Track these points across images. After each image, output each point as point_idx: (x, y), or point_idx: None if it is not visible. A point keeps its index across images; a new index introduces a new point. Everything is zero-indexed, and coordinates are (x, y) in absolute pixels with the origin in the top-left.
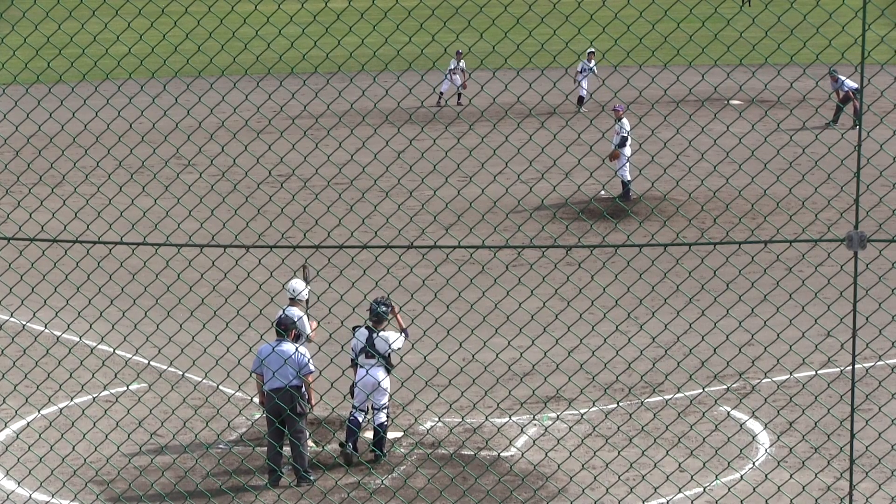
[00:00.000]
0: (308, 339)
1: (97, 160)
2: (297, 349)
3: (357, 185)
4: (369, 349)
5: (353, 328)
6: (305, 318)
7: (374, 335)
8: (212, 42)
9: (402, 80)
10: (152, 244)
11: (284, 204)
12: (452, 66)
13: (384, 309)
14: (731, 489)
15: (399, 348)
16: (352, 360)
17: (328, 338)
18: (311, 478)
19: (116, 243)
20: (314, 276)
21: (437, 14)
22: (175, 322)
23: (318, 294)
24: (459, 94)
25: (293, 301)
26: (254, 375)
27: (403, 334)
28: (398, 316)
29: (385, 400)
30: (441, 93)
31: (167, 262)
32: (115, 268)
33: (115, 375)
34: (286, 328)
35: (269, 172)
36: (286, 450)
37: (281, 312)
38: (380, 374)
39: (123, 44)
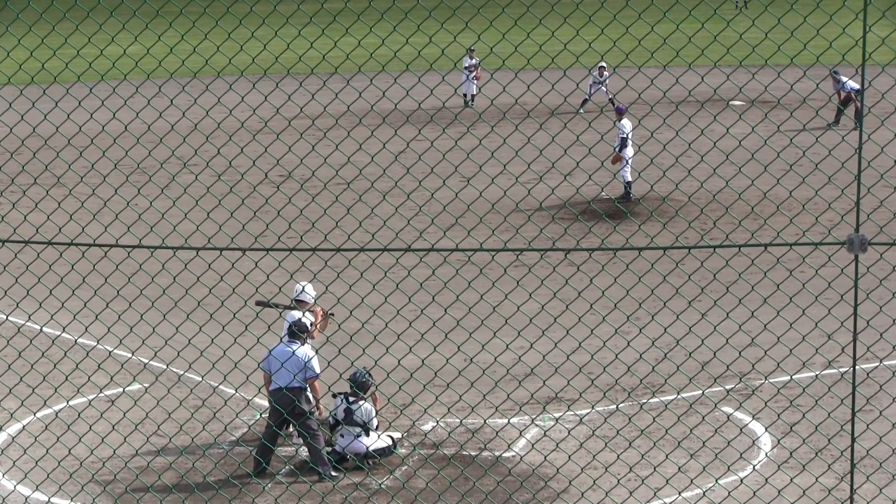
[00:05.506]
0: (310, 336)
1: (92, 162)
2: (306, 354)
3: (354, 187)
4: (349, 418)
5: (333, 395)
6: (304, 319)
7: (352, 404)
8: (207, 43)
9: (399, 81)
10: (148, 247)
11: (281, 206)
12: (467, 64)
13: (365, 378)
14: (732, 493)
15: (374, 423)
16: (331, 426)
17: (325, 341)
18: (333, 473)
19: (112, 246)
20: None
21: (434, 16)
22: (172, 325)
23: (316, 298)
24: (474, 96)
25: (297, 302)
26: (262, 371)
27: (375, 412)
28: (376, 396)
29: (373, 444)
30: (465, 94)
31: (163, 265)
32: (111, 270)
33: (112, 378)
34: (300, 330)
35: (266, 175)
36: (283, 449)
37: (292, 315)
38: (360, 441)
39: (118, 45)
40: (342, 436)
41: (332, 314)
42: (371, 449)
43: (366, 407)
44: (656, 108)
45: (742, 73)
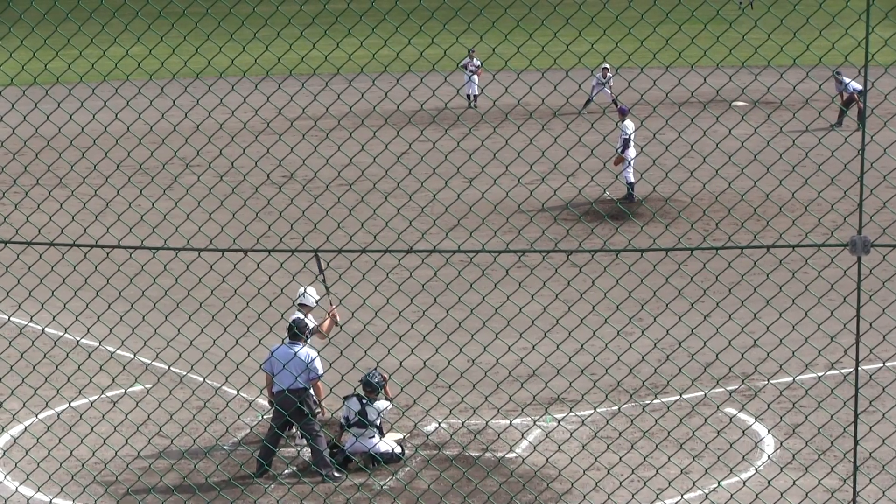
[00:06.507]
0: (319, 331)
1: (94, 163)
2: (308, 355)
3: (356, 187)
4: (361, 419)
5: (344, 398)
6: (307, 322)
7: (367, 405)
8: (209, 44)
9: (401, 82)
10: (150, 248)
11: (283, 207)
12: (465, 63)
13: (378, 379)
14: (734, 494)
15: (387, 413)
16: (341, 426)
17: (327, 342)
18: (335, 475)
19: (114, 247)
20: (325, 267)
21: (436, 16)
22: (174, 326)
23: (318, 299)
24: (476, 97)
25: (300, 305)
26: (264, 373)
27: (390, 403)
28: (387, 388)
29: (384, 448)
30: (468, 95)
31: (165, 266)
32: (113, 271)
33: (113, 380)
34: (300, 330)
35: (268, 176)
36: (286, 451)
37: (294, 315)
38: (372, 441)
39: (121, 46)
40: (354, 437)
41: (340, 326)
42: (376, 451)
43: (379, 405)
44: (659, 109)
45: (744, 74)
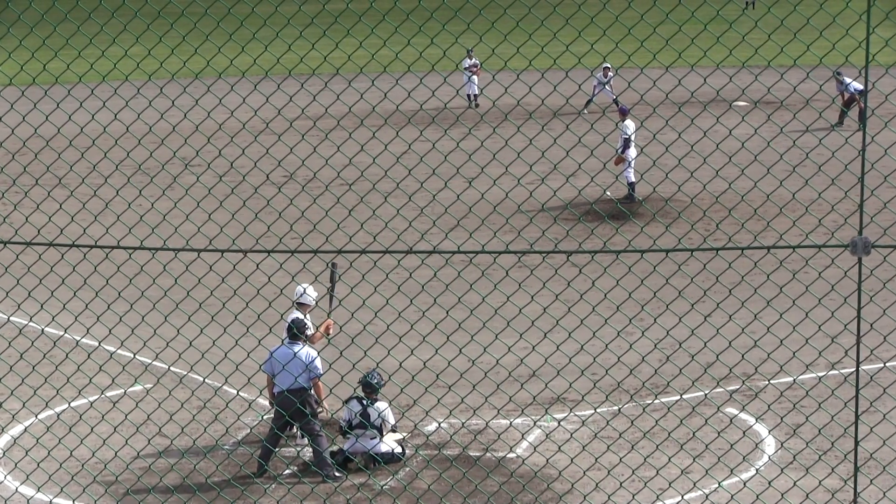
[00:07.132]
0: (310, 339)
1: (94, 163)
2: (308, 355)
3: (356, 188)
4: (363, 420)
5: (345, 401)
6: (308, 321)
7: (367, 406)
8: (209, 44)
9: (401, 83)
10: (149, 248)
11: (283, 208)
12: (467, 65)
13: (377, 380)
14: (735, 495)
15: (392, 420)
16: (341, 429)
17: (326, 344)
18: (335, 475)
19: (113, 247)
20: (339, 276)
21: (435, 17)
22: (173, 326)
23: (318, 299)
24: (476, 96)
25: (298, 305)
26: (264, 374)
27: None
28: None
29: (384, 449)
30: (468, 95)
31: (164, 267)
32: (112, 271)
33: (113, 380)
34: (300, 329)
35: (267, 176)
36: (286, 451)
37: (292, 315)
38: (372, 441)
39: (120, 46)
40: (355, 437)
41: (329, 340)
42: (377, 451)
43: (379, 406)
44: (659, 109)
45: (745, 75)
